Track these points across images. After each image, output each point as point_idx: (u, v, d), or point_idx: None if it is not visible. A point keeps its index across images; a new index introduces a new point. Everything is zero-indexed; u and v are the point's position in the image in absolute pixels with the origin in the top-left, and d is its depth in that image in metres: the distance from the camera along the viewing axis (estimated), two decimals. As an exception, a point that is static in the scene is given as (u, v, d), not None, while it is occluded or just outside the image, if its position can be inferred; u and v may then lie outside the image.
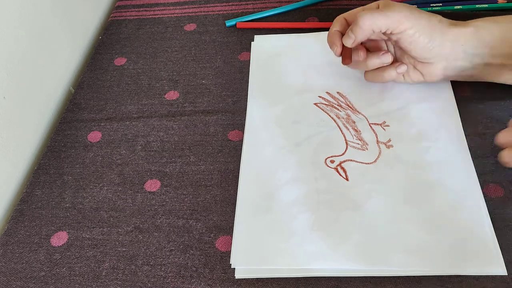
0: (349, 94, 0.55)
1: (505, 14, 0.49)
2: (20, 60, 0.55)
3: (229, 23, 0.67)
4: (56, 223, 0.48)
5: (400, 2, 0.66)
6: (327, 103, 0.55)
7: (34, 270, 0.45)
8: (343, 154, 0.50)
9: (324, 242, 0.43)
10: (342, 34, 0.52)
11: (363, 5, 0.51)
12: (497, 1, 0.63)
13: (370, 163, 0.49)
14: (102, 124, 0.57)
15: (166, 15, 0.71)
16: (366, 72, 0.55)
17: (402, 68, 0.52)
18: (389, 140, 0.50)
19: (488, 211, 0.44)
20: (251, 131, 0.53)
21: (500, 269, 0.40)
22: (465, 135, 0.50)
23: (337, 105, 0.55)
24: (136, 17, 0.72)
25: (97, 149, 0.55)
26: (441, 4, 0.64)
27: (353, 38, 0.50)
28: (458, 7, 0.63)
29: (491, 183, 0.46)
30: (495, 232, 0.42)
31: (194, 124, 0.56)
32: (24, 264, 0.46)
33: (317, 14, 0.67)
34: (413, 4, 0.65)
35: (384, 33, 0.49)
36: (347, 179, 0.48)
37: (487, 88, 0.54)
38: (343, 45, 0.52)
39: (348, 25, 0.52)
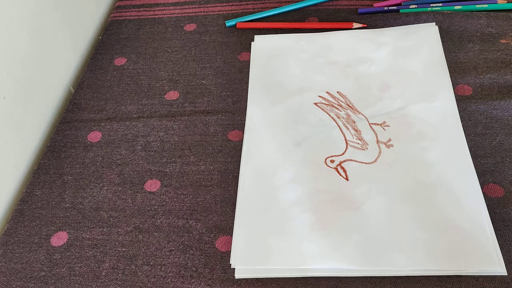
0: (349, 94, 0.55)
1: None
2: (20, 60, 0.55)
3: (229, 23, 0.67)
4: (56, 223, 0.48)
5: (399, 3, 0.66)
6: (327, 103, 0.55)
7: (34, 270, 0.45)
8: (343, 154, 0.50)
9: (324, 242, 0.43)
10: None
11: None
12: (497, 1, 0.63)
13: (370, 163, 0.49)
14: (102, 124, 0.57)
15: (166, 15, 0.71)
16: None
17: None
18: (389, 140, 0.50)
19: (488, 211, 0.44)
20: (251, 131, 0.53)
21: (500, 269, 0.40)
22: (465, 135, 0.50)
23: (337, 105, 0.55)
24: (136, 17, 0.71)
25: (97, 149, 0.55)
26: (441, 4, 0.64)
27: None
28: (458, 7, 0.63)
29: (491, 183, 0.46)
30: (495, 232, 0.42)
31: (194, 124, 0.56)
32: (24, 264, 0.46)
33: (317, 14, 0.67)
34: (413, 5, 0.65)
35: None
36: (347, 179, 0.48)
37: (487, 88, 0.54)
38: None
39: None
